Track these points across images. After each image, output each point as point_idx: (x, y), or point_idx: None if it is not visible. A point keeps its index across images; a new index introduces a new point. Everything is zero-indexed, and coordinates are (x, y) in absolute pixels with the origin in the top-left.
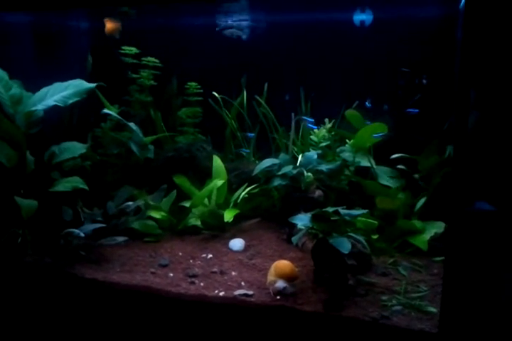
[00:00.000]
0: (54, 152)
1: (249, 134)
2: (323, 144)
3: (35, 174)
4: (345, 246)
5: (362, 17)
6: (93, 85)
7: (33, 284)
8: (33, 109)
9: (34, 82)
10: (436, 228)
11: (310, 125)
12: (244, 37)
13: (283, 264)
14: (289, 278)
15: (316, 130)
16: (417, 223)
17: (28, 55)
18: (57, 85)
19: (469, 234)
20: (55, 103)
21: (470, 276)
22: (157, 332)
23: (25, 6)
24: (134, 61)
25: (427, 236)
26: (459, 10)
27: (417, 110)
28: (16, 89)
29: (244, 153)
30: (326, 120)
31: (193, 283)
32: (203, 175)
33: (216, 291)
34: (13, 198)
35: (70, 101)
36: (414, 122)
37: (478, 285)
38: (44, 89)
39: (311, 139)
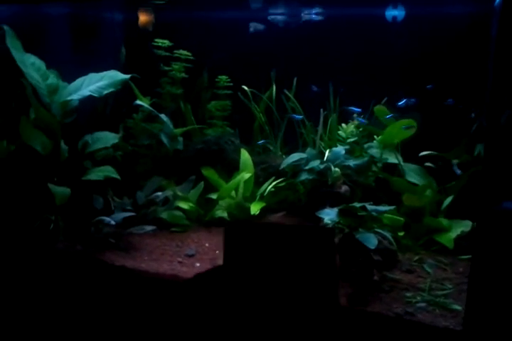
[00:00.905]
0: (87, 141)
1: (296, 116)
2: (351, 140)
3: (68, 162)
4: (371, 241)
5: (394, 13)
6: (127, 76)
7: (63, 270)
8: (69, 98)
9: (70, 72)
10: (463, 226)
11: (359, 119)
12: (267, 31)
13: None
14: None
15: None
16: (444, 221)
17: (65, 45)
18: (92, 76)
19: (496, 233)
20: (90, 93)
21: (496, 275)
22: (183, 319)
23: None
24: (167, 54)
25: (453, 234)
26: (494, 7)
27: (451, 99)
28: (52, 78)
29: (270, 146)
30: (355, 116)
31: None
32: (231, 168)
33: None
34: (46, 185)
35: (105, 92)
36: (443, 119)
37: (504, 283)
38: (80, 80)
39: (338, 135)
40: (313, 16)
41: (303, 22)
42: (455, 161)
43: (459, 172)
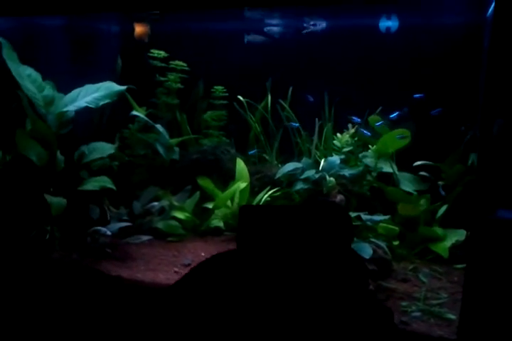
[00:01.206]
0: (83, 152)
1: (294, 124)
2: (346, 149)
3: (64, 173)
4: (366, 251)
5: (388, 24)
6: (124, 88)
7: (59, 280)
8: (65, 109)
9: (66, 84)
10: (458, 236)
11: (363, 130)
12: (262, 41)
13: None
14: None
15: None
16: (439, 230)
17: (61, 57)
18: (88, 87)
19: (491, 242)
20: (86, 104)
21: (490, 284)
22: (179, 329)
23: (58, 10)
24: (162, 64)
25: (448, 243)
26: (486, 18)
27: (439, 109)
28: (48, 90)
29: (266, 156)
30: (350, 125)
31: None
32: (227, 178)
33: None
34: (43, 196)
35: (101, 103)
36: (437, 129)
37: (498, 292)
38: (76, 91)
39: (333, 144)
40: (309, 27)
41: (298, 32)
42: (440, 183)
43: (443, 193)
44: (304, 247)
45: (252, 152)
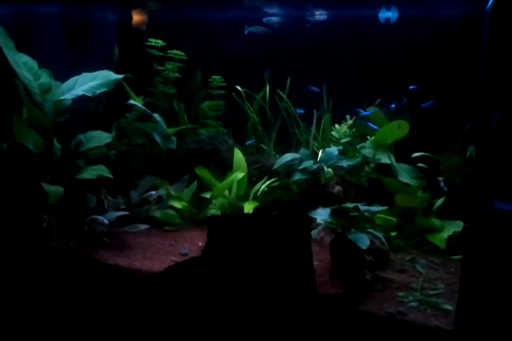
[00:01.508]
0: (80, 140)
1: (298, 110)
2: (344, 140)
3: (61, 161)
4: (364, 241)
5: (387, 15)
6: (121, 76)
7: (56, 269)
8: (62, 98)
9: (63, 72)
10: (455, 227)
11: (371, 124)
12: (261, 31)
13: None
14: None
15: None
16: (436, 221)
17: (57, 45)
18: (85, 75)
19: (488, 234)
20: (83, 93)
21: (487, 275)
22: (176, 318)
23: None
24: (160, 53)
25: (446, 234)
26: (486, 10)
27: (431, 101)
28: (45, 78)
29: (263, 146)
30: (348, 116)
31: None
32: (224, 168)
33: None
34: (39, 184)
35: (98, 92)
36: (435, 120)
37: (495, 284)
38: (73, 79)
39: (331, 135)
40: (308, 17)
41: (297, 23)
42: (440, 178)
43: (445, 189)
44: (262, 255)
45: (249, 142)
